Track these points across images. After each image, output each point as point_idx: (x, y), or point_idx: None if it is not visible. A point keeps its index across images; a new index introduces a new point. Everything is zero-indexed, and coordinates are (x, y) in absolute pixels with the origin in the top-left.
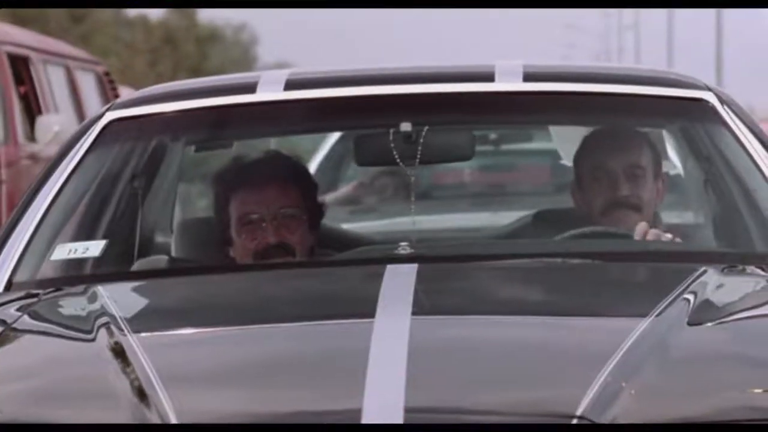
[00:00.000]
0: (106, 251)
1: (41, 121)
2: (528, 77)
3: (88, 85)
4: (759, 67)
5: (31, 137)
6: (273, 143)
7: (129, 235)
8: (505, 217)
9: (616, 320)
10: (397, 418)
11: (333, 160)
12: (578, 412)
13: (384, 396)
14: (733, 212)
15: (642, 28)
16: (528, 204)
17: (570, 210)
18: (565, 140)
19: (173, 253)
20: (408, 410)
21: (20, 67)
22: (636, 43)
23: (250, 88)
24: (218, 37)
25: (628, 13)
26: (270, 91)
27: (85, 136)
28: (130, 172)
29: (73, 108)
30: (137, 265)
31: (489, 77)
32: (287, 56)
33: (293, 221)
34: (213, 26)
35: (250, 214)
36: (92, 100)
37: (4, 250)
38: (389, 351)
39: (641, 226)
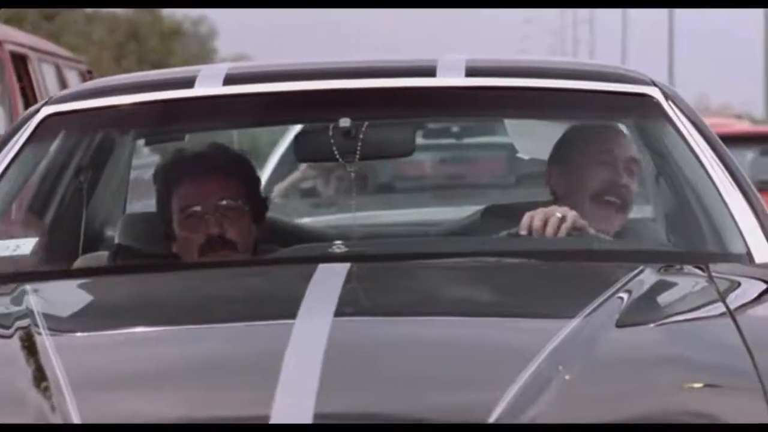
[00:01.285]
0: (49, 247)
1: None
2: (470, 72)
3: (73, 81)
4: (712, 59)
5: None
6: (236, 135)
7: (74, 231)
8: (464, 211)
9: (543, 321)
10: (306, 418)
11: (290, 159)
12: (492, 419)
13: (294, 401)
14: (677, 209)
15: (597, 21)
16: (489, 197)
17: (521, 205)
18: (521, 134)
19: (117, 248)
20: (317, 416)
21: (20, 64)
22: (591, 35)
23: (189, 82)
24: (182, 32)
25: (584, 13)
26: (208, 86)
27: (21, 131)
28: (74, 166)
29: None
30: (79, 261)
31: (431, 72)
32: (246, 49)
33: (235, 213)
34: (177, 21)
35: (192, 207)
36: None
37: None
38: (305, 354)
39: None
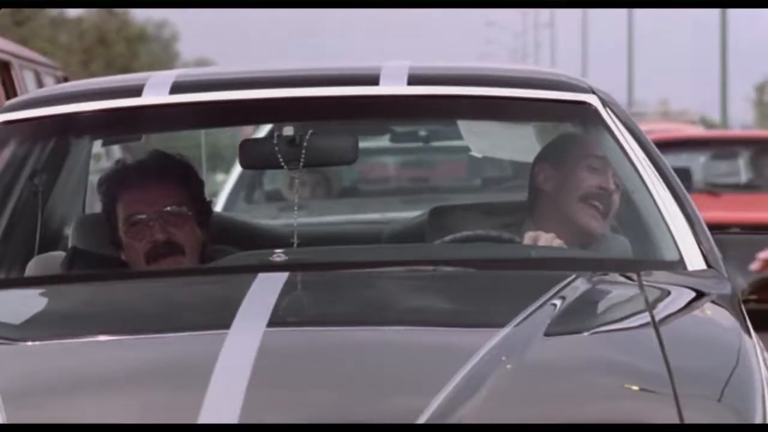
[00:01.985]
0: (3, 250)
1: None
2: (412, 80)
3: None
4: (671, 60)
5: None
6: (203, 137)
7: (29, 233)
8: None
9: (473, 331)
10: (230, 417)
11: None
12: (421, 420)
13: (221, 405)
14: (616, 215)
15: (558, 25)
16: (449, 199)
17: (466, 206)
18: (474, 134)
19: (73, 251)
20: (242, 419)
21: (3, 71)
22: (552, 39)
23: (137, 90)
24: (147, 37)
25: (545, 12)
26: (155, 95)
27: None
28: (28, 171)
29: None
30: (33, 263)
31: (374, 80)
32: (208, 53)
33: (180, 219)
34: (142, 26)
35: (136, 214)
36: None
37: None
38: (235, 361)
39: (530, 236)
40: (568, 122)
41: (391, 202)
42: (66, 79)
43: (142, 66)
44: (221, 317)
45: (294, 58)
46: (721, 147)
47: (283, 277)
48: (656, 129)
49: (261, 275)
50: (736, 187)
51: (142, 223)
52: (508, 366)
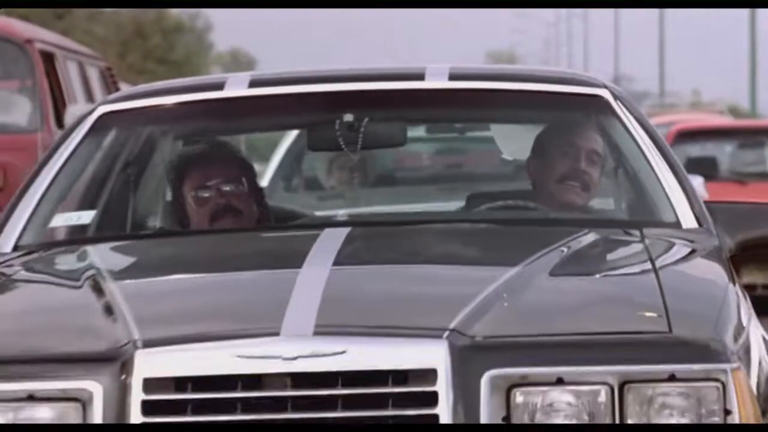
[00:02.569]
0: (101, 223)
1: (70, 110)
2: (453, 77)
3: (94, 77)
4: (704, 50)
5: (59, 124)
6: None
7: (122, 218)
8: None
9: (493, 267)
10: (308, 331)
11: (293, 154)
12: (451, 326)
13: (299, 318)
14: (623, 188)
15: (590, 16)
16: (482, 186)
17: (500, 192)
18: (506, 138)
19: (160, 225)
20: (317, 327)
21: (48, 62)
22: (585, 30)
23: (219, 86)
24: (183, 29)
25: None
26: (236, 88)
27: (81, 125)
28: (124, 157)
29: (85, 98)
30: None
31: (420, 76)
32: (241, 43)
33: (237, 191)
34: (179, 18)
35: (201, 188)
36: (98, 91)
37: (11, 221)
38: (309, 286)
39: None
40: (584, 113)
41: (427, 189)
42: (109, 69)
43: (178, 58)
44: (297, 259)
45: (332, 49)
46: (747, 137)
47: (345, 230)
48: (684, 119)
49: (327, 229)
50: (762, 176)
51: (206, 195)
52: (506, 301)
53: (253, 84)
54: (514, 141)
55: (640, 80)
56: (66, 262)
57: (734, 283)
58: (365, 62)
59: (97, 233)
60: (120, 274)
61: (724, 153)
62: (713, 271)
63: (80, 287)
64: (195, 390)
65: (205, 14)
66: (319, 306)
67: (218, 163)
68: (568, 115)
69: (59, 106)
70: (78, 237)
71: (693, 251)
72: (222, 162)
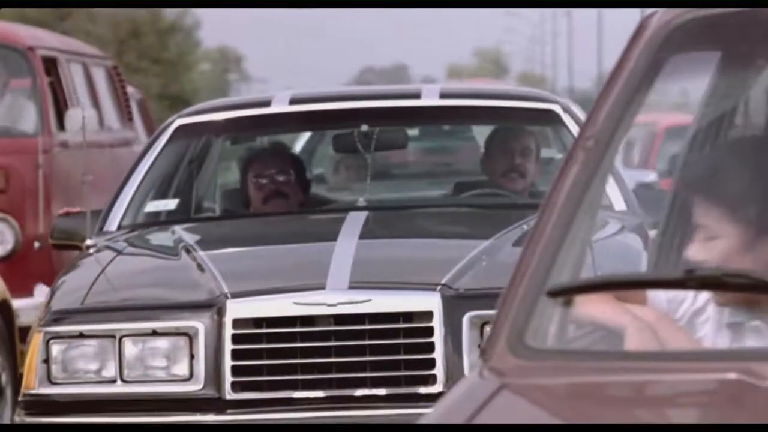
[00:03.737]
0: (175, 208)
1: (70, 114)
2: (443, 95)
3: (100, 78)
4: None
5: (60, 127)
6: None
7: (188, 198)
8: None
9: (474, 239)
10: (345, 286)
11: (307, 151)
12: (442, 281)
13: (338, 276)
14: None
15: (575, 15)
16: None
17: (482, 181)
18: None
19: (218, 209)
20: (351, 283)
21: (50, 66)
22: (569, 28)
23: (267, 103)
24: (177, 29)
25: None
26: (280, 105)
27: (164, 134)
28: (189, 156)
29: (90, 100)
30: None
31: (417, 95)
32: (228, 40)
33: (286, 180)
34: (173, 19)
35: (259, 177)
36: (104, 92)
37: (115, 207)
38: (344, 253)
39: None
40: (540, 123)
41: (419, 182)
42: (116, 68)
43: (171, 57)
44: (332, 233)
45: (318, 49)
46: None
47: (365, 213)
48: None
49: (351, 213)
50: None
51: (263, 181)
52: (484, 261)
53: (293, 102)
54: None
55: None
56: (162, 237)
57: (646, 250)
58: (352, 59)
59: (175, 215)
60: (205, 246)
61: None
62: (634, 240)
63: (178, 255)
64: (268, 326)
65: (193, 12)
66: (351, 268)
67: (275, 158)
68: (527, 123)
69: (61, 109)
70: (165, 219)
71: (622, 226)
72: (277, 157)
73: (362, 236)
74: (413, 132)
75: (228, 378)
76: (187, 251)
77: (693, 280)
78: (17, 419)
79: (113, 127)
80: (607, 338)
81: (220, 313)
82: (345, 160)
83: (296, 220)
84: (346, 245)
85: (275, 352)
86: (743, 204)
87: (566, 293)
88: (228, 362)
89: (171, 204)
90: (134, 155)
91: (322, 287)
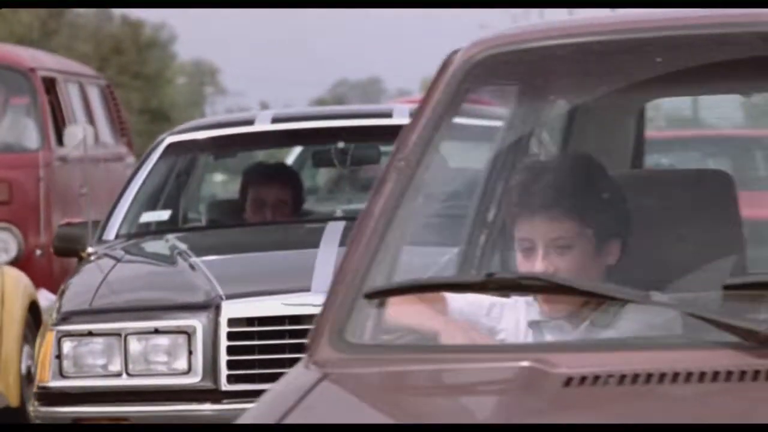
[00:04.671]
0: (168, 218)
1: (69, 131)
2: (412, 114)
3: (94, 96)
4: None
5: (59, 143)
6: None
7: (179, 209)
8: None
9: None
10: (328, 288)
11: (297, 164)
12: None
13: (322, 280)
14: None
15: (546, 14)
16: None
17: None
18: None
19: (204, 219)
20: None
21: (49, 86)
22: None
23: (251, 122)
24: (157, 44)
25: (534, 14)
26: (263, 124)
27: (156, 150)
28: (177, 171)
29: (86, 117)
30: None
31: (389, 115)
32: (204, 54)
33: (285, 201)
34: (153, 34)
35: (261, 195)
36: (98, 109)
37: (112, 218)
38: (325, 261)
39: None
40: None
41: None
42: (109, 87)
43: (150, 72)
44: (315, 242)
45: (295, 57)
46: (701, 144)
47: (342, 223)
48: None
49: (330, 222)
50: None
51: (261, 196)
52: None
53: (275, 120)
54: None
55: None
56: (158, 245)
57: None
58: (327, 73)
59: (164, 226)
60: (198, 252)
61: (689, 162)
62: None
63: (174, 261)
64: (259, 325)
65: (169, 25)
66: (333, 272)
67: (274, 176)
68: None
69: (60, 126)
70: (160, 228)
71: None
72: (279, 179)
73: (341, 243)
74: (387, 148)
75: (224, 371)
76: (183, 257)
77: (493, 283)
78: (31, 409)
79: (107, 143)
80: (419, 336)
81: (216, 313)
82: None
83: (281, 230)
84: (328, 251)
85: (266, 348)
86: (591, 214)
87: (380, 295)
88: (223, 357)
89: (164, 215)
90: (126, 169)
91: (307, 289)
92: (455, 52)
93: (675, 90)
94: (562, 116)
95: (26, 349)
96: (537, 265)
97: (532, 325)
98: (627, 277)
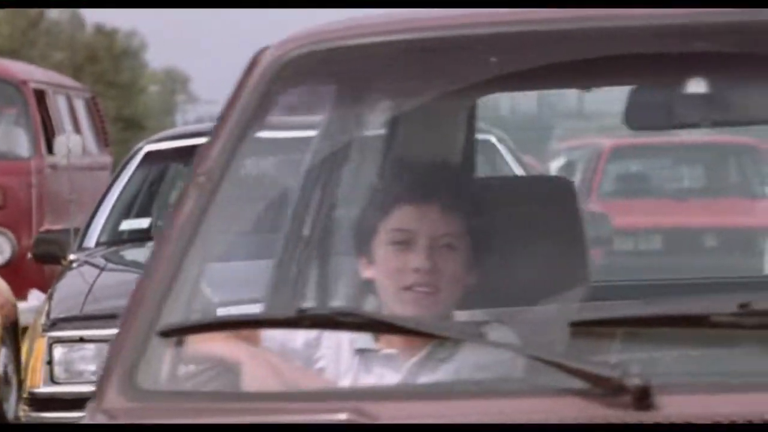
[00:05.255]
0: (147, 225)
1: (59, 140)
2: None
3: (80, 108)
4: None
5: (49, 152)
6: None
7: (154, 217)
8: None
9: None
10: None
11: None
12: None
13: None
14: None
15: None
16: None
17: None
18: None
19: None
20: None
21: (40, 98)
22: None
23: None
24: (130, 52)
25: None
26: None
27: (135, 159)
28: (153, 178)
29: (73, 127)
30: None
31: None
32: (175, 62)
33: None
34: (126, 41)
35: None
36: (84, 120)
37: (92, 225)
38: None
39: None
40: (479, 152)
41: None
42: (93, 99)
43: (123, 80)
44: None
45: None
46: (681, 152)
47: None
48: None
49: None
50: (704, 192)
51: None
52: None
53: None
54: None
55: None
56: (140, 253)
57: None
58: None
59: (143, 233)
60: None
61: (660, 169)
62: None
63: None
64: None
65: (140, 34)
66: None
67: None
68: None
69: (50, 135)
70: (139, 236)
71: None
72: None
73: None
74: None
75: None
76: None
77: (306, 319)
78: (22, 414)
79: (93, 152)
80: (224, 377)
81: None
82: None
83: None
84: None
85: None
86: (468, 222)
87: (178, 333)
88: None
89: (143, 222)
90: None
91: None
92: (263, 50)
93: (504, 87)
94: (384, 120)
95: (3, 350)
96: (415, 260)
97: (360, 353)
98: (466, 302)
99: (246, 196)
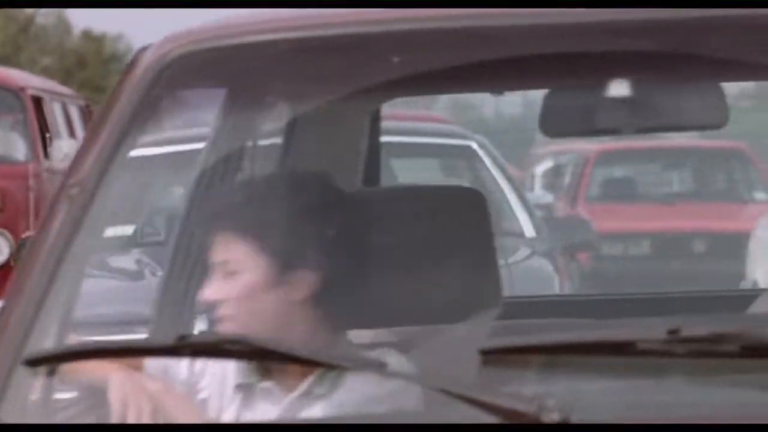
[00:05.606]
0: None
1: (56, 145)
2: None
3: (75, 114)
4: None
5: (46, 156)
6: None
7: (139, 223)
8: None
9: None
10: None
11: None
12: None
13: None
14: None
15: None
16: None
17: None
18: None
19: (163, 233)
20: None
21: (37, 105)
22: None
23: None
24: (118, 57)
25: None
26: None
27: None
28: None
29: (68, 133)
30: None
31: None
32: None
33: None
34: (114, 48)
35: None
36: (78, 127)
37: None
38: None
39: None
40: (459, 157)
41: None
42: (88, 106)
43: (112, 85)
44: None
45: None
46: (671, 157)
47: None
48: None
49: None
50: (692, 197)
51: None
52: None
53: None
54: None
55: None
56: (125, 260)
57: (557, 272)
58: None
59: (127, 240)
60: (161, 264)
61: (648, 174)
62: (545, 264)
63: (143, 275)
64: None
65: (127, 36)
66: None
67: None
68: (448, 159)
69: (46, 141)
70: (124, 243)
71: (532, 251)
72: None
73: None
74: None
75: None
76: (151, 272)
77: (187, 347)
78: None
79: None
80: (100, 408)
81: None
82: None
83: None
84: None
85: None
86: (269, 237)
87: (46, 362)
88: None
89: (128, 230)
90: None
91: None
92: (144, 49)
93: (411, 91)
94: (280, 124)
95: None
96: (207, 290)
97: (241, 387)
98: (359, 321)
99: (124, 208)
